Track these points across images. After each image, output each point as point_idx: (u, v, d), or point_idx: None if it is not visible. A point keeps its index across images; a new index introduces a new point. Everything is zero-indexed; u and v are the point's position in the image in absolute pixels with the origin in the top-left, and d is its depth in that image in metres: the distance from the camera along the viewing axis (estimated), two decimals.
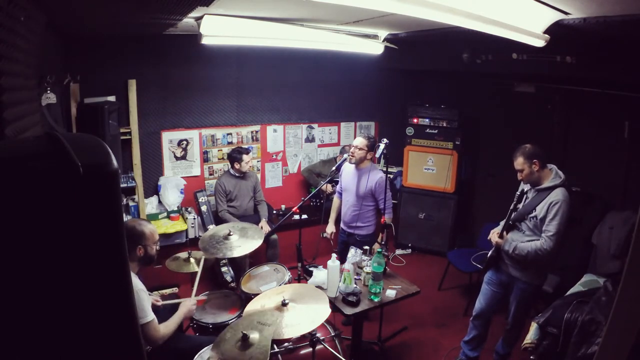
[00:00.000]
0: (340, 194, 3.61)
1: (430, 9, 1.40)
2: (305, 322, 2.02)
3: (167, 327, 2.20)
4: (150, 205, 4.14)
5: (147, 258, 2.20)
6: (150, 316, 2.07)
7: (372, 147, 3.33)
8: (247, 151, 4.16)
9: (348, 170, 3.48)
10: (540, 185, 2.57)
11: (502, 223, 2.85)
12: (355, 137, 3.76)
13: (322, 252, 3.94)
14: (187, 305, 2.38)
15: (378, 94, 5.40)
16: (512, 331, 2.87)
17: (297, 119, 5.01)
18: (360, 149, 3.30)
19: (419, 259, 5.01)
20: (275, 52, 4.19)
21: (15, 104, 1.51)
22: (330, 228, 3.68)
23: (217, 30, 2.60)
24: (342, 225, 3.57)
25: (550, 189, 2.52)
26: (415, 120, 4.90)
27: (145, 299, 2.10)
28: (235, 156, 4.08)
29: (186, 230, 4.06)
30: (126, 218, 3.57)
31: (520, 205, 2.62)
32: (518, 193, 2.59)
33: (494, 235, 2.71)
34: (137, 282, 2.10)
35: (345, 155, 4.49)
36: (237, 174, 4.14)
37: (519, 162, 2.57)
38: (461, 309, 3.88)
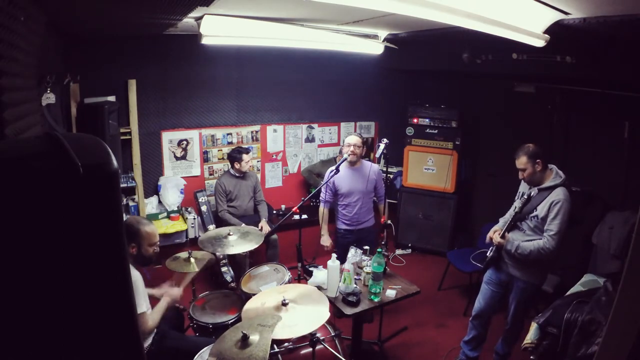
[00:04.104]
0: (328, 202, 3.53)
1: (430, 9, 1.41)
2: (305, 323, 2.02)
3: (152, 320, 2.19)
4: (150, 205, 4.14)
5: (139, 258, 2.19)
6: (142, 308, 2.08)
7: (365, 143, 3.44)
8: (247, 151, 4.16)
9: (344, 175, 3.42)
10: (541, 185, 2.57)
11: (501, 220, 2.86)
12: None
13: (322, 252, 3.94)
14: (171, 293, 2.36)
15: (378, 94, 5.40)
16: (512, 331, 2.87)
17: (297, 119, 5.01)
18: (359, 146, 3.37)
19: (419, 259, 5.01)
20: (275, 52, 4.19)
21: (15, 104, 1.51)
22: (328, 240, 3.59)
23: (217, 30, 2.60)
24: (346, 226, 3.53)
25: (551, 188, 2.53)
26: (415, 120, 4.90)
27: (140, 289, 2.10)
28: (235, 156, 4.08)
29: (186, 230, 4.07)
30: (126, 218, 3.57)
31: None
32: (525, 196, 2.59)
33: (495, 235, 2.71)
34: (134, 273, 2.11)
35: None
36: (237, 174, 4.14)
37: (522, 161, 2.56)
38: (461, 309, 3.88)
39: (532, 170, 2.55)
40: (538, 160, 2.53)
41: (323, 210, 3.54)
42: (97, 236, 0.76)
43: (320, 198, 3.55)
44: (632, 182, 3.46)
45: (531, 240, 2.56)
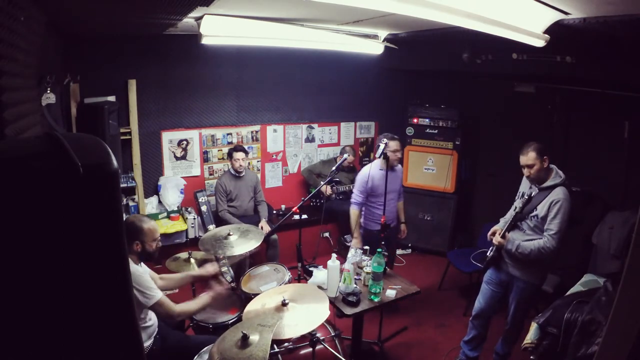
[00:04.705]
0: (362, 204, 3.49)
1: (430, 9, 1.41)
2: (305, 322, 2.02)
3: (187, 305, 2.27)
4: (150, 205, 4.14)
5: (144, 254, 2.23)
6: (158, 294, 2.13)
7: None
8: (240, 149, 4.13)
9: (381, 176, 3.37)
10: (543, 183, 2.57)
11: (501, 220, 2.86)
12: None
13: (322, 252, 3.94)
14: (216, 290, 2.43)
15: (378, 94, 5.40)
16: (512, 331, 2.87)
17: (297, 119, 5.01)
18: (400, 150, 3.53)
19: (419, 259, 5.01)
20: (275, 52, 4.18)
21: (15, 104, 1.52)
22: (360, 243, 3.48)
23: (217, 30, 2.60)
24: (377, 227, 3.51)
25: (551, 188, 2.53)
26: (415, 120, 4.90)
27: (147, 281, 2.14)
28: (230, 153, 4.13)
29: (186, 230, 4.06)
30: (126, 217, 3.58)
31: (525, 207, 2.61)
32: (526, 196, 2.58)
33: (496, 235, 2.70)
34: (138, 268, 2.16)
35: (345, 155, 4.51)
36: (236, 174, 4.15)
37: (531, 157, 2.53)
38: (461, 309, 3.88)
39: (540, 167, 2.53)
40: (545, 157, 2.53)
41: (356, 212, 3.48)
42: (97, 236, 0.76)
43: (353, 201, 3.48)
44: (632, 182, 3.46)
45: (531, 239, 2.56)
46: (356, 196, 3.48)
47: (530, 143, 2.58)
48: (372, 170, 3.45)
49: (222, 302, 2.75)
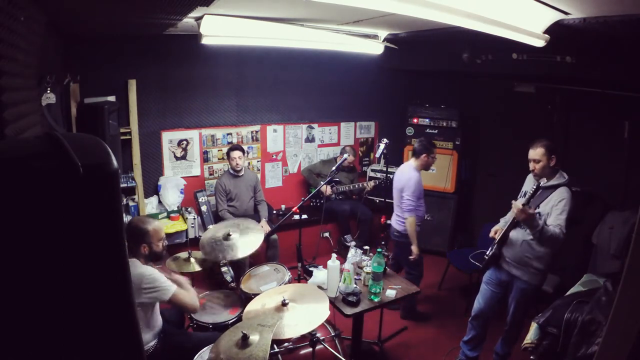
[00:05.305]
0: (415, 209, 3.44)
1: (430, 9, 1.41)
2: (305, 322, 2.02)
3: (191, 299, 2.26)
4: (150, 205, 4.14)
5: (152, 255, 2.23)
6: (173, 287, 2.15)
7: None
8: (237, 148, 4.14)
9: (421, 179, 3.51)
10: (546, 182, 2.57)
11: (502, 220, 2.85)
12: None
13: (322, 252, 3.93)
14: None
15: (378, 94, 5.40)
16: (511, 331, 2.87)
17: (297, 119, 5.01)
18: None
19: None
20: (275, 52, 4.19)
21: (15, 104, 1.52)
22: (418, 250, 3.46)
23: (217, 30, 2.60)
24: (419, 228, 3.52)
25: (554, 187, 2.53)
26: (415, 120, 4.90)
27: (159, 277, 2.14)
28: (227, 152, 4.15)
29: (186, 230, 4.06)
30: (126, 218, 3.58)
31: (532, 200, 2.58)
32: (534, 187, 2.52)
33: (516, 203, 2.52)
34: (147, 267, 2.16)
35: (345, 155, 4.51)
36: (235, 173, 4.16)
37: (540, 152, 2.53)
38: (461, 309, 3.87)
39: (545, 164, 2.53)
40: (553, 156, 2.53)
41: (414, 220, 3.38)
42: (97, 236, 0.76)
43: (411, 208, 3.36)
44: (632, 182, 3.46)
45: (531, 239, 2.56)
46: (412, 202, 3.35)
47: (541, 139, 2.58)
48: (417, 174, 3.45)
49: (223, 301, 2.76)
